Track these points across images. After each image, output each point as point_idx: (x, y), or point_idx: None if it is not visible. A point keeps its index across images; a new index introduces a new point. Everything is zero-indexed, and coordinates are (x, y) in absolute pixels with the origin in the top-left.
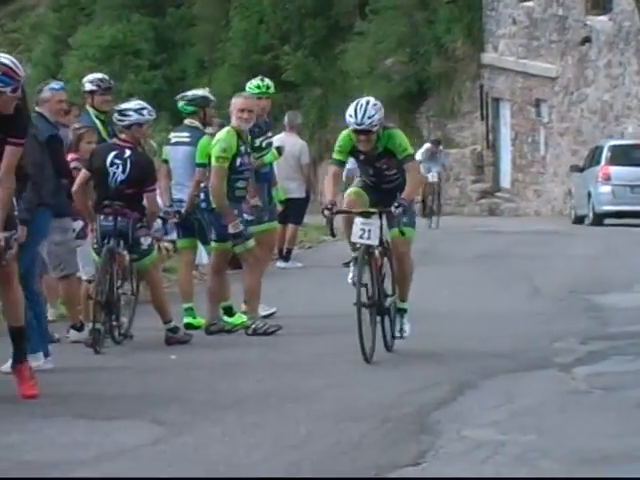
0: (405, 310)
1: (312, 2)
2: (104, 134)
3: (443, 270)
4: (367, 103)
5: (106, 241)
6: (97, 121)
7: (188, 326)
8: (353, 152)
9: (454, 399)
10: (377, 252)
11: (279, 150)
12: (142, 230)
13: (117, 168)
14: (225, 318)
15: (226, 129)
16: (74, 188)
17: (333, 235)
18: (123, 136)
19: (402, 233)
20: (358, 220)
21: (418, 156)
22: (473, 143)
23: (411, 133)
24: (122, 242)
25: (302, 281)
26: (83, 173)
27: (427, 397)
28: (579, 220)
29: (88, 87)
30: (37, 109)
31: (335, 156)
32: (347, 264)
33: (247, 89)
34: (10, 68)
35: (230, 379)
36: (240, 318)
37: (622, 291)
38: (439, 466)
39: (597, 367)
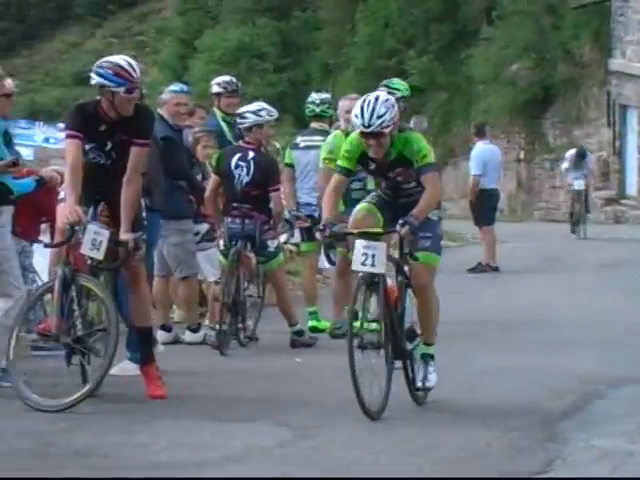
0: (431, 356)
1: (438, 7)
2: (230, 137)
3: (565, 277)
4: (376, 100)
5: (233, 243)
6: (223, 123)
7: (313, 329)
8: (362, 159)
9: (581, 408)
10: (391, 281)
11: None
12: (269, 232)
13: (242, 170)
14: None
15: (334, 132)
16: (206, 194)
17: (331, 262)
18: (247, 138)
19: (416, 259)
20: (359, 243)
21: (564, 164)
22: (599, 150)
23: (537, 139)
24: (249, 244)
25: None
26: (213, 178)
27: (554, 406)
28: None
29: (215, 89)
30: (158, 110)
31: (341, 163)
32: (473, 270)
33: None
34: (123, 68)
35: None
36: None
37: None
38: (567, 474)
39: None
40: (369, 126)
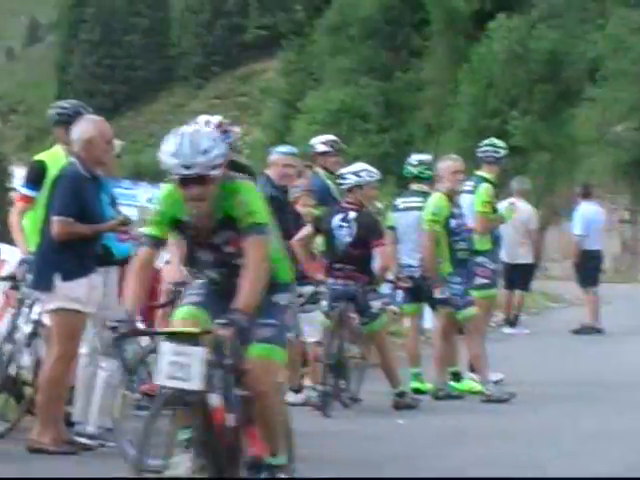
0: (277, 467)
1: (542, 67)
2: (337, 195)
3: None
4: (197, 131)
5: (336, 304)
6: (329, 181)
7: (416, 391)
8: (177, 222)
9: None
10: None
11: (514, 205)
12: (372, 294)
13: (343, 230)
14: (452, 383)
15: (437, 195)
16: (296, 238)
17: None
18: (348, 199)
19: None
20: (165, 347)
21: None
22: None
23: None
24: (352, 305)
25: (529, 348)
26: (307, 228)
27: None
28: None
29: (321, 148)
30: (265, 171)
31: (148, 230)
32: (577, 332)
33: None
34: None
35: (455, 445)
36: (468, 384)
37: None
38: None
39: None
40: (190, 166)
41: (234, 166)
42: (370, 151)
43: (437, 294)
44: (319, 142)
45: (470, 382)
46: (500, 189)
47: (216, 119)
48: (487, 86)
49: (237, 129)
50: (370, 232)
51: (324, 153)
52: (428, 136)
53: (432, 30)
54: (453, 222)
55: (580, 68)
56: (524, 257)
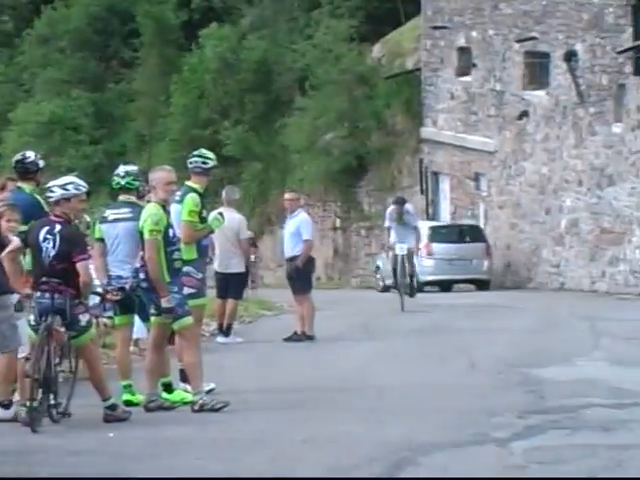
0: None
1: (252, 78)
2: (47, 208)
3: (380, 344)
4: None
5: (43, 318)
6: (38, 197)
7: (127, 403)
8: None
9: (392, 475)
10: None
11: (222, 215)
12: (80, 307)
13: (48, 243)
14: (164, 395)
15: (151, 205)
16: (3, 253)
17: None
18: (55, 212)
19: None
20: None
21: (386, 223)
22: None
23: (352, 207)
24: (60, 319)
25: (242, 356)
26: (15, 242)
27: (363, 474)
28: (386, 289)
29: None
30: None
31: None
32: (288, 339)
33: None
34: None
35: (167, 457)
36: (179, 395)
37: (560, 364)
38: None
39: (534, 441)
40: None
41: None
42: (83, 163)
43: (164, 304)
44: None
45: (182, 393)
46: (213, 199)
47: None
48: (199, 96)
49: None
50: (72, 245)
51: (39, 169)
52: (141, 147)
53: (143, 41)
54: (170, 232)
55: (290, 78)
56: (236, 266)
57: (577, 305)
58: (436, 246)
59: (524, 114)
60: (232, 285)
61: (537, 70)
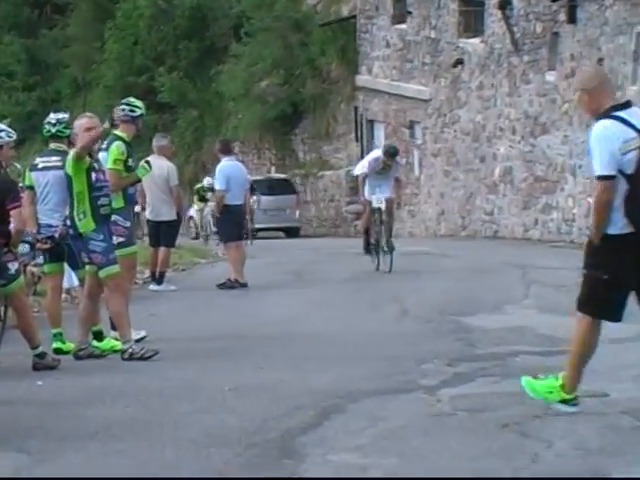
0: None
1: (187, 24)
2: None
3: (313, 292)
4: None
5: None
6: None
7: (57, 351)
8: None
9: (320, 424)
10: None
11: (148, 163)
12: (9, 255)
13: None
14: (95, 343)
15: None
16: None
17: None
18: None
19: None
20: None
21: (361, 170)
22: (348, 165)
23: (287, 155)
24: None
25: (174, 304)
26: None
27: (292, 422)
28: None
29: None
30: None
31: None
32: (221, 286)
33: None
34: None
35: (97, 405)
36: (109, 343)
37: (491, 312)
38: None
39: (462, 389)
40: None
41: None
42: (16, 109)
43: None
44: None
45: (112, 341)
46: (148, 147)
47: None
48: (133, 43)
49: None
50: (5, 193)
51: None
52: (76, 93)
53: None
54: (94, 176)
55: (225, 24)
56: (167, 214)
57: (509, 253)
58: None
59: (459, 62)
60: (164, 233)
61: (472, 18)
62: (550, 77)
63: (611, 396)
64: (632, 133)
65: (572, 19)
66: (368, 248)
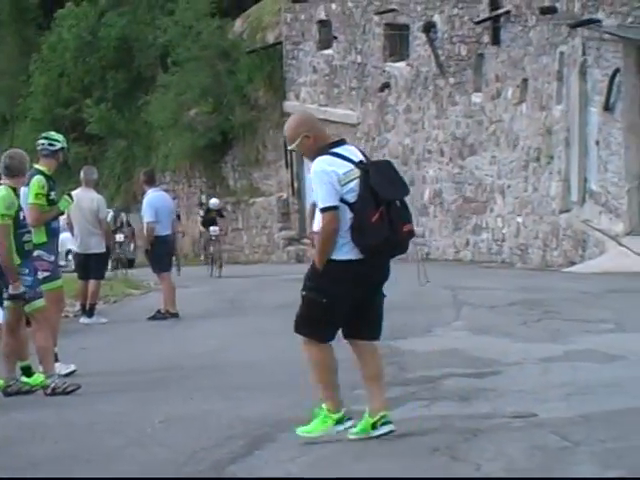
0: None
1: (113, 55)
2: None
3: (246, 320)
4: None
5: None
6: None
7: None
8: None
9: (250, 453)
10: None
11: (70, 196)
12: None
13: None
14: (23, 378)
15: (3, 187)
16: None
17: None
18: None
19: None
20: None
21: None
22: (279, 191)
23: (218, 183)
24: None
25: (105, 337)
26: None
27: (223, 452)
28: None
29: None
30: None
31: None
32: (152, 318)
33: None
34: None
35: (26, 442)
36: (39, 378)
37: (421, 335)
38: None
39: (393, 414)
40: None
41: None
42: None
43: (11, 290)
44: None
45: (41, 376)
46: (77, 178)
47: None
48: (59, 74)
49: None
50: None
51: None
52: (4, 127)
53: (0, 20)
54: (21, 214)
55: (152, 54)
56: (96, 246)
57: (440, 275)
58: None
59: (386, 86)
60: (93, 265)
61: (397, 42)
62: (476, 98)
63: (539, 416)
64: (349, 165)
65: (496, 40)
66: None
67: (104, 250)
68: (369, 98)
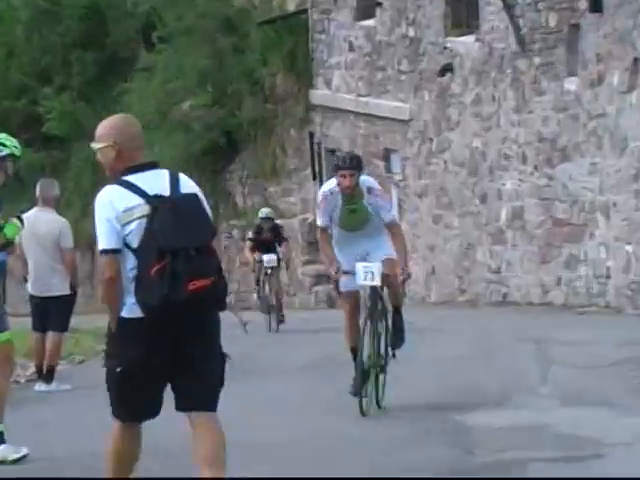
0: None
1: (79, 28)
2: None
3: (260, 386)
4: None
5: None
6: None
7: None
8: None
9: None
10: None
11: (21, 219)
12: None
13: None
14: None
15: None
16: None
17: None
18: None
19: None
20: None
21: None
22: (304, 211)
23: (221, 200)
24: None
25: (68, 410)
26: None
27: None
28: None
29: None
30: None
31: None
32: None
33: None
34: None
35: None
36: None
37: (496, 406)
38: None
39: None
40: None
41: None
42: None
43: None
44: None
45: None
46: (28, 195)
47: None
48: (7, 55)
49: None
50: None
51: None
52: None
53: None
54: None
55: (130, 27)
56: (58, 287)
57: (523, 324)
58: None
59: (447, 69)
60: (53, 313)
61: (463, 9)
62: (571, 85)
63: None
64: (137, 200)
65: (597, 7)
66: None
67: (68, 292)
68: (425, 85)
